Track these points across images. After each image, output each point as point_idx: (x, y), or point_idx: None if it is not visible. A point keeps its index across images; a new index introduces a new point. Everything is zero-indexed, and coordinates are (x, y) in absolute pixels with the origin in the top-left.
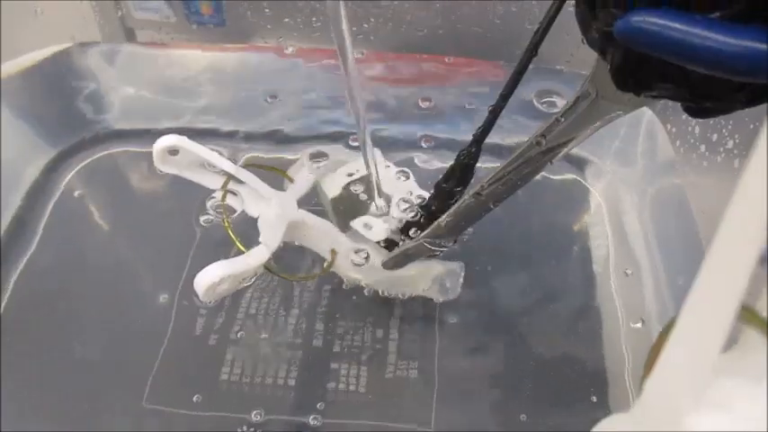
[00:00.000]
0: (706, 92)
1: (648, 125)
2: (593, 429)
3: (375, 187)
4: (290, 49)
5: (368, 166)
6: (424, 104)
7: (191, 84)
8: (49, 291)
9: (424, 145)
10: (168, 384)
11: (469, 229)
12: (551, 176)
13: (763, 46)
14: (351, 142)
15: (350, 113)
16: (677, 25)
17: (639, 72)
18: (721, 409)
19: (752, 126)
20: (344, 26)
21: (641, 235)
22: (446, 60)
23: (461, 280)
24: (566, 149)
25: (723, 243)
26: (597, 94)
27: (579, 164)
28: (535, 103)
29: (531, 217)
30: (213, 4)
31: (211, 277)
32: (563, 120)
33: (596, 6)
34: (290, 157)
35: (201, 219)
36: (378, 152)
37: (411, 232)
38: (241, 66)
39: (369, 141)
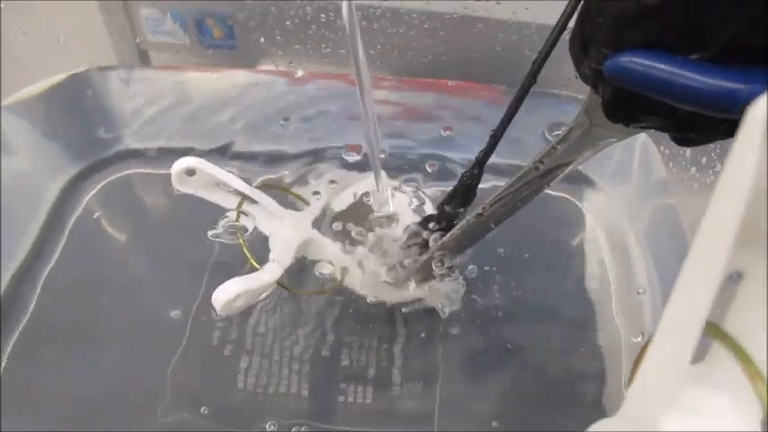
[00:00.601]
0: (690, 125)
1: (642, 146)
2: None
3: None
4: (301, 73)
5: (377, 185)
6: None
7: (204, 106)
8: (68, 306)
9: (428, 169)
10: (183, 395)
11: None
12: (549, 194)
13: (736, 85)
14: (345, 156)
15: (364, 134)
16: (661, 66)
17: (628, 106)
18: (692, 413)
19: None
20: (360, 52)
21: (638, 251)
22: (449, 84)
23: (462, 295)
24: (562, 173)
25: (690, 269)
26: (591, 123)
27: (576, 183)
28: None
29: (530, 235)
30: (225, 28)
31: (228, 293)
32: (559, 147)
33: (588, 46)
34: (299, 174)
35: (215, 236)
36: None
37: (417, 251)
38: (253, 89)
39: (378, 163)
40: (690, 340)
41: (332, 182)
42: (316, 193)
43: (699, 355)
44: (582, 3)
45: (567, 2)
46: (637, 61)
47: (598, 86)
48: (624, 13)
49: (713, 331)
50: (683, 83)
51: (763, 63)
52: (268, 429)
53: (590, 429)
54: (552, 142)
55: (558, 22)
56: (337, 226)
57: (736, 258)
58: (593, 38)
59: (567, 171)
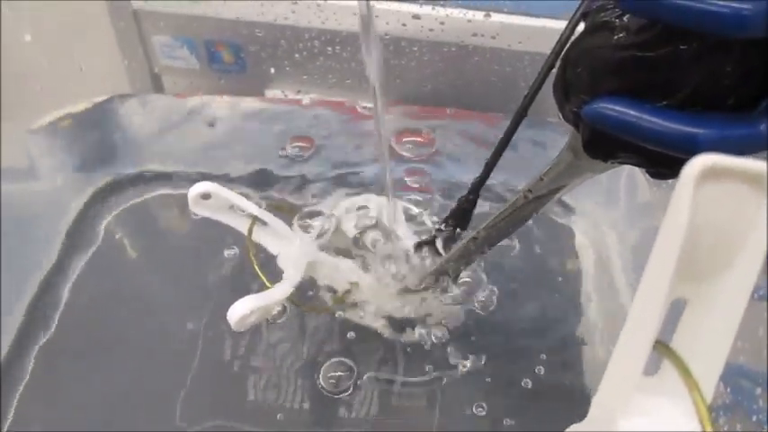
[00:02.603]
0: (661, 161)
1: (630, 170)
2: None
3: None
4: (308, 100)
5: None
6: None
7: (217, 131)
8: (89, 321)
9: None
10: (197, 406)
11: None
12: (540, 217)
13: (696, 130)
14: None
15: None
16: (631, 112)
17: (605, 145)
18: (644, 416)
19: None
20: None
21: (622, 271)
22: (447, 112)
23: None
24: (550, 200)
25: (640, 297)
26: (574, 158)
27: (566, 206)
28: None
29: (521, 256)
30: (235, 55)
31: (243, 309)
32: (545, 178)
33: (569, 92)
34: (307, 196)
35: (227, 256)
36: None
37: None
38: (262, 114)
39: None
40: (641, 356)
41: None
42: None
43: (654, 370)
44: (564, 52)
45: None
46: (610, 107)
47: (579, 126)
48: (600, 65)
49: (662, 349)
50: (650, 127)
51: (721, 110)
52: None
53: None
54: (540, 174)
55: (546, 60)
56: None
57: (680, 288)
58: (572, 84)
59: (554, 198)
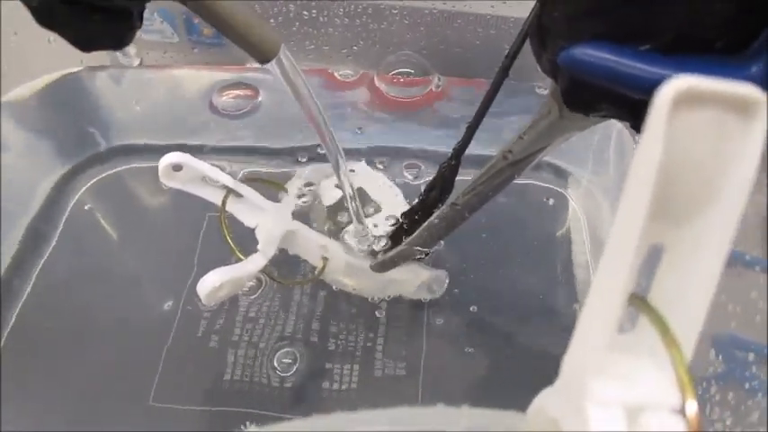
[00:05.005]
0: (644, 112)
1: (618, 135)
2: (534, 401)
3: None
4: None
5: (344, 191)
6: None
7: (193, 103)
8: (61, 298)
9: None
10: (173, 384)
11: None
12: (531, 184)
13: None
14: (300, 158)
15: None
16: (609, 56)
17: (585, 95)
18: (618, 378)
19: None
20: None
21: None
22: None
23: (446, 286)
24: (531, 162)
25: (612, 244)
26: (554, 114)
27: (557, 173)
28: None
29: (512, 225)
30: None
31: (212, 282)
32: (525, 137)
33: (545, 39)
34: (284, 168)
35: (203, 229)
36: (365, 166)
37: (396, 239)
38: (241, 84)
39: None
40: (615, 311)
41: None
42: (309, 184)
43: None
44: None
45: None
46: (589, 53)
47: (557, 77)
48: (576, 6)
49: (638, 303)
50: (632, 73)
51: (708, 53)
52: (255, 416)
53: (535, 400)
54: (519, 133)
55: (528, 18)
56: (336, 220)
57: (656, 233)
58: (549, 31)
59: (535, 160)
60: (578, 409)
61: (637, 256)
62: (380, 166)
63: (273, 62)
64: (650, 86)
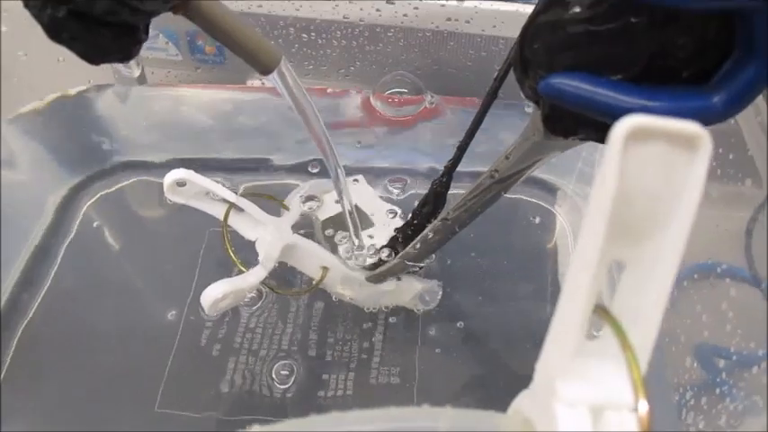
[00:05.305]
0: None
1: (603, 149)
2: (512, 403)
3: (353, 227)
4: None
5: (343, 207)
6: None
7: (196, 120)
8: (69, 309)
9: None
10: (178, 391)
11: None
12: (520, 199)
13: (649, 103)
14: (311, 169)
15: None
16: (585, 86)
17: (564, 120)
18: (583, 379)
19: None
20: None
21: None
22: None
23: (439, 297)
24: (517, 180)
25: (576, 260)
26: (536, 136)
27: (546, 188)
28: None
29: (501, 238)
30: (216, 45)
31: (215, 293)
32: (511, 156)
33: (527, 68)
34: (283, 182)
35: (205, 242)
36: (362, 181)
37: (391, 251)
38: (240, 103)
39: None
40: (580, 320)
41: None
42: (311, 197)
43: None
44: (521, 29)
45: None
46: (566, 82)
47: (539, 103)
48: (554, 40)
49: (601, 313)
50: (605, 101)
51: (675, 83)
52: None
53: (513, 401)
54: (505, 153)
55: (512, 49)
56: (329, 232)
57: (617, 251)
58: (530, 61)
59: (522, 178)
60: (548, 408)
61: (598, 272)
62: (376, 182)
63: (275, 73)
64: (622, 113)
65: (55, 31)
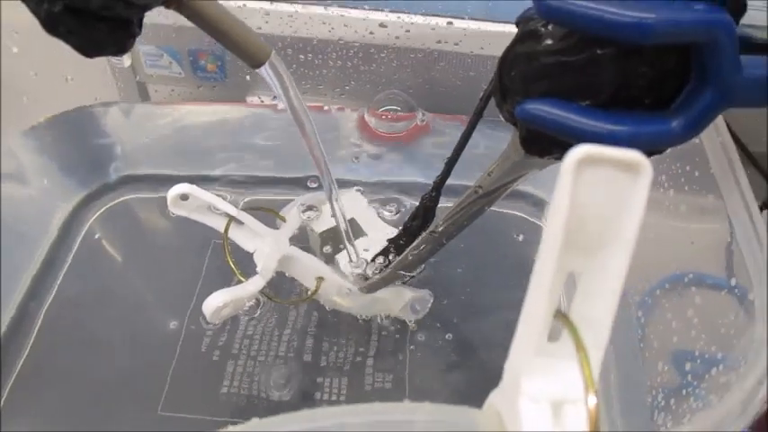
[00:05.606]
0: None
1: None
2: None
3: (347, 240)
4: (282, 105)
5: (337, 219)
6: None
7: (197, 136)
8: (75, 318)
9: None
10: (180, 394)
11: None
12: (508, 213)
13: (616, 127)
14: (309, 184)
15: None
16: (556, 111)
17: (539, 142)
18: (544, 376)
19: (662, 177)
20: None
21: None
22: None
23: (429, 305)
24: (500, 195)
25: (537, 271)
26: (516, 155)
27: (533, 202)
28: None
29: (490, 250)
30: (218, 62)
31: (216, 302)
32: (493, 174)
33: (505, 94)
34: (282, 197)
35: (207, 254)
36: (357, 194)
37: (384, 262)
38: (241, 119)
39: (335, 194)
40: (542, 324)
41: (309, 209)
42: (310, 207)
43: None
44: (500, 58)
45: None
46: (540, 108)
47: (517, 125)
48: (529, 69)
49: (560, 317)
50: (575, 125)
51: (639, 108)
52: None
53: (487, 398)
54: (487, 170)
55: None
56: (327, 249)
57: (572, 263)
58: (508, 87)
59: (505, 193)
60: (514, 403)
61: (556, 282)
62: (369, 195)
63: (266, 67)
64: (590, 136)
65: (52, 26)
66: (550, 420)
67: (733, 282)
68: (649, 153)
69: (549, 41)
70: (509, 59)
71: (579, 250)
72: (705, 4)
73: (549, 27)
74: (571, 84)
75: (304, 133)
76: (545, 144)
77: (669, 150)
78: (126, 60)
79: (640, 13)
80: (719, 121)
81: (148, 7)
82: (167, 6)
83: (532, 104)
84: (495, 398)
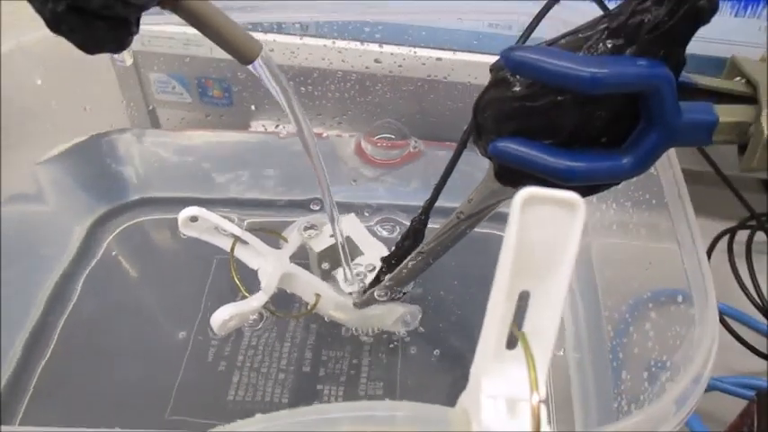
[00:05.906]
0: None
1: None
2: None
3: (344, 258)
4: (284, 132)
5: (336, 239)
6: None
7: (205, 160)
8: (91, 329)
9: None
10: (187, 400)
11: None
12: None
13: (574, 164)
14: (312, 207)
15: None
16: (524, 149)
17: (512, 174)
18: (501, 377)
19: (627, 203)
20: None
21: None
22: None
23: (419, 319)
24: (481, 219)
25: (494, 289)
26: (492, 183)
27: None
28: None
29: (471, 269)
30: (222, 89)
31: (223, 315)
32: (473, 200)
33: (480, 132)
34: (285, 219)
35: (212, 271)
36: (352, 216)
37: (377, 281)
38: (245, 145)
39: (336, 214)
40: (499, 335)
41: (310, 228)
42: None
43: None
44: (475, 101)
45: None
46: (508, 145)
47: (491, 159)
48: (500, 112)
49: (515, 329)
50: (539, 162)
51: (595, 146)
52: None
53: (459, 398)
54: (468, 197)
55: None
56: (324, 264)
57: (524, 283)
58: (482, 126)
59: (486, 217)
60: (477, 400)
61: (510, 299)
62: (366, 216)
63: (257, 63)
64: (551, 171)
65: (55, 24)
66: (506, 415)
67: (680, 299)
68: (607, 185)
69: (516, 88)
70: (483, 102)
71: (529, 273)
72: (648, 60)
73: (517, 75)
74: (536, 125)
75: (300, 130)
76: (516, 176)
77: (634, 179)
78: (128, 59)
79: (591, 68)
80: (672, 156)
81: (145, 7)
82: (163, 6)
83: (503, 143)
84: (463, 397)
